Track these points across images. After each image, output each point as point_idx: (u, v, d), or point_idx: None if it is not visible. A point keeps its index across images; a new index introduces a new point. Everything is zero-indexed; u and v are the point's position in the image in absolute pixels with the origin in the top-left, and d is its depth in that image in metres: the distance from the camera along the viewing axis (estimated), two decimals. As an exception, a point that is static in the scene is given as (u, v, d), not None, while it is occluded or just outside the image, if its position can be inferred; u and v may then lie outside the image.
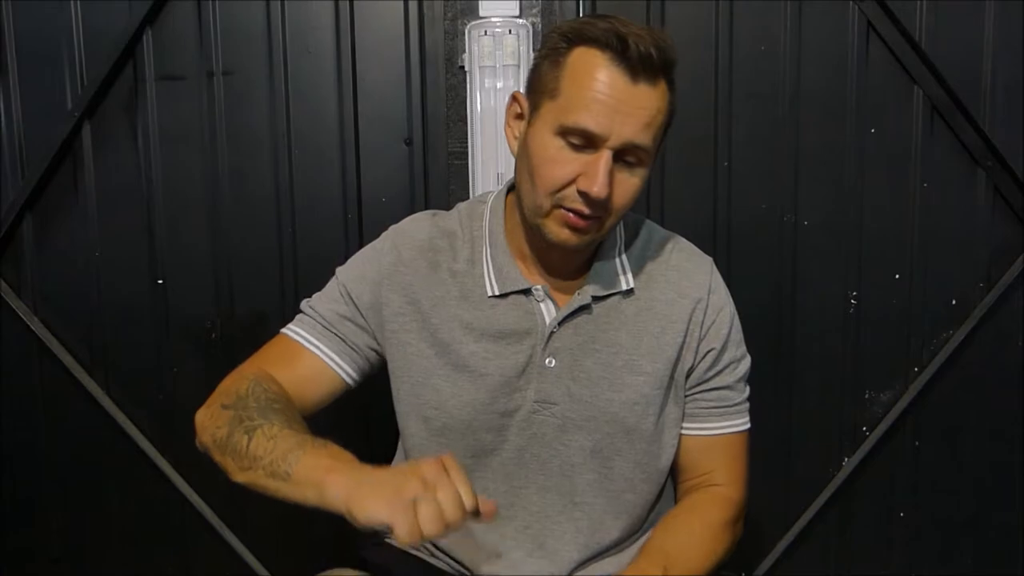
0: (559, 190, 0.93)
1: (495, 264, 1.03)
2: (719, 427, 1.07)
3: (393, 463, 1.14)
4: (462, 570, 1.05)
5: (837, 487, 1.56)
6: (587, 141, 0.91)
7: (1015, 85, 1.47)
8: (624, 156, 0.92)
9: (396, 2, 1.47)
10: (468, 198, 1.46)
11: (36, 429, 1.59)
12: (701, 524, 1.03)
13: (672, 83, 0.94)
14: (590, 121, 0.90)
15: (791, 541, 1.57)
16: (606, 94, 0.90)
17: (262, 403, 0.94)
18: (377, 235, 1.12)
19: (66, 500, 1.61)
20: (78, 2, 1.47)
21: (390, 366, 1.06)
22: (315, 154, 1.50)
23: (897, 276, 1.52)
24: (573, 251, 0.99)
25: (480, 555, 1.04)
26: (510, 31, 1.43)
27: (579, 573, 1.04)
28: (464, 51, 1.45)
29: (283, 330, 1.07)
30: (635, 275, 1.04)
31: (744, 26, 1.47)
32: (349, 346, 1.05)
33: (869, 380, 1.55)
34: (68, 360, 1.56)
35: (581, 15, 1.44)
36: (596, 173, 0.90)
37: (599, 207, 0.93)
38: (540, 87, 0.96)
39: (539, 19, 1.45)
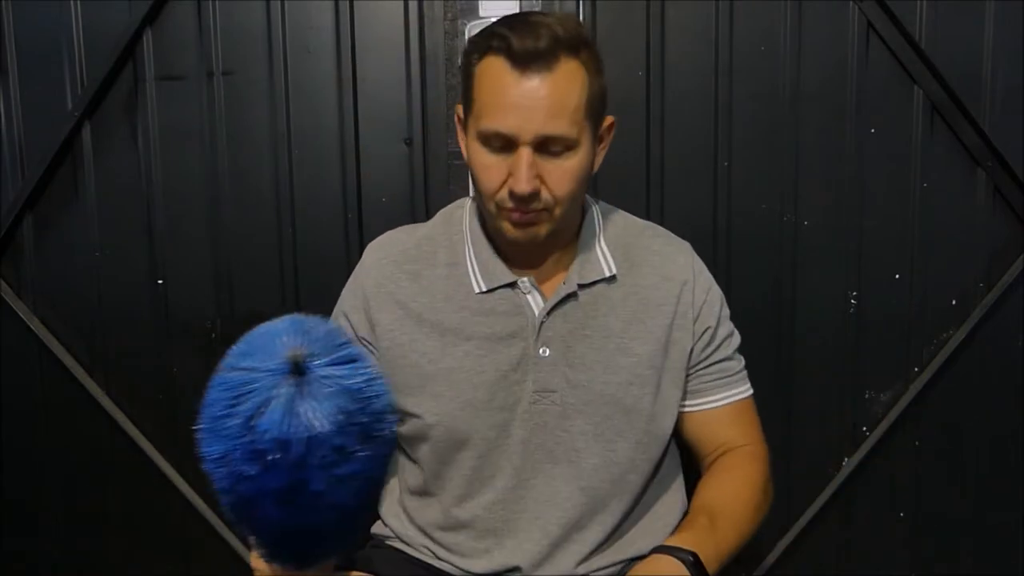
0: (496, 193, 0.97)
1: (479, 261, 1.05)
2: (727, 396, 1.11)
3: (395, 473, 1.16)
4: (463, 574, 1.05)
5: (837, 487, 1.56)
6: (504, 143, 0.95)
7: (1015, 85, 1.47)
8: (547, 147, 0.95)
9: (396, 2, 1.47)
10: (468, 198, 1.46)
11: (36, 429, 1.59)
12: (741, 478, 1.07)
13: (587, 58, 0.95)
14: (498, 124, 0.94)
15: (791, 541, 1.57)
16: (505, 94, 0.93)
17: None
18: (377, 235, 1.13)
19: (66, 500, 1.61)
20: (78, 2, 1.47)
21: (391, 381, 1.06)
22: (315, 154, 1.50)
23: (897, 276, 1.52)
24: (539, 245, 1.01)
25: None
26: (510, 31, 1.43)
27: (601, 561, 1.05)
28: (464, 51, 1.45)
29: None
30: (617, 261, 1.06)
31: (744, 26, 1.47)
32: None
33: (869, 380, 1.55)
34: (68, 360, 1.56)
35: (581, 15, 1.45)
36: (518, 172, 0.93)
37: (533, 201, 0.95)
38: (464, 99, 1.00)
39: (539, 19, 1.45)
